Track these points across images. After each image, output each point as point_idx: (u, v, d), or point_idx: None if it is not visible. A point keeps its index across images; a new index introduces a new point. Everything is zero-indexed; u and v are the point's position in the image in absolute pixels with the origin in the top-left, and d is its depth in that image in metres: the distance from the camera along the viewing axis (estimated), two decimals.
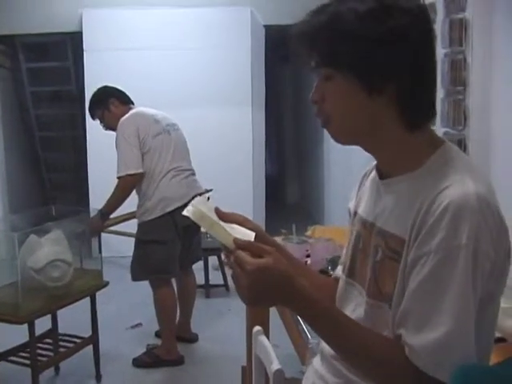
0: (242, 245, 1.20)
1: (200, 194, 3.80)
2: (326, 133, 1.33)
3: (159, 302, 4.10)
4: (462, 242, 1.10)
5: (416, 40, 1.20)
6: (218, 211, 1.32)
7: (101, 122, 4.27)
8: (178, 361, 4.16)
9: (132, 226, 4.36)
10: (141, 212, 4.08)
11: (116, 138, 4.01)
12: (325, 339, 1.26)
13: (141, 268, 4.09)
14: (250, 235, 1.30)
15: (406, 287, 1.18)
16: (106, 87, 4.33)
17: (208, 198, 1.34)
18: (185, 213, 1.26)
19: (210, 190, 4.79)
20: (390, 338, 1.21)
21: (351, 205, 1.51)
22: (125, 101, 4.24)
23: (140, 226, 4.12)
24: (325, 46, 1.22)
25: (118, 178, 3.94)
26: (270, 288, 1.17)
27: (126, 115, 4.06)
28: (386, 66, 1.19)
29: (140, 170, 3.95)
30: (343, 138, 1.31)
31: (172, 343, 4.17)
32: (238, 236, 1.24)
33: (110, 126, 4.19)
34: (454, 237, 1.11)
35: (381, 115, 1.23)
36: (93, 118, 4.33)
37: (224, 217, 1.32)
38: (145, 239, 4.06)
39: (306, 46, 1.25)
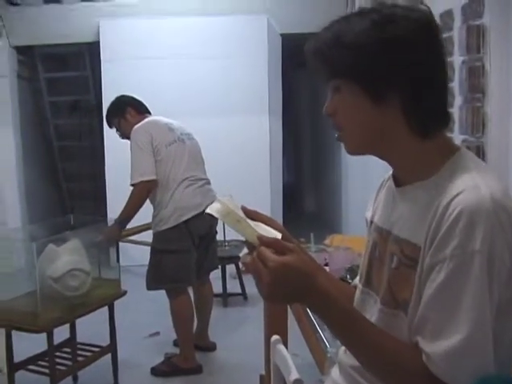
0: (265, 242, 1.19)
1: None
2: None
3: (176, 311, 4.09)
4: (476, 248, 1.10)
5: (417, 48, 1.21)
6: (244, 209, 1.31)
7: (117, 130, 4.31)
8: (196, 369, 4.15)
9: (149, 234, 4.36)
10: (156, 222, 4.08)
11: (130, 146, 4.02)
12: (342, 340, 1.26)
13: (155, 277, 4.08)
14: (276, 235, 1.28)
15: (422, 294, 1.17)
16: (123, 96, 4.36)
17: (231, 197, 1.34)
18: (208, 210, 1.25)
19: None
20: (407, 343, 1.20)
21: (368, 214, 1.52)
22: (141, 110, 4.27)
23: (155, 235, 4.12)
24: (329, 58, 1.25)
25: (132, 185, 3.95)
26: (291, 285, 1.16)
27: (141, 123, 4.08)
28: (386, 73, 1.21)
29: (153, 177, 3.95)
30: (355, 149, 1.34)
31: (190, 352, 4.16)
32: (264, 234, 1.23)
33: (125, 134, 4.20)
34: (469, 243, 1.10)
35: (389, 124, 1.25)
36: (110, 126, 4.38)
37: (251, 215, 1.31)
38: (160, 248, 4.06)
39: (316, 61, 1.29)
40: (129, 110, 4.22)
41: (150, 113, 4.31)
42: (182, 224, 3.98)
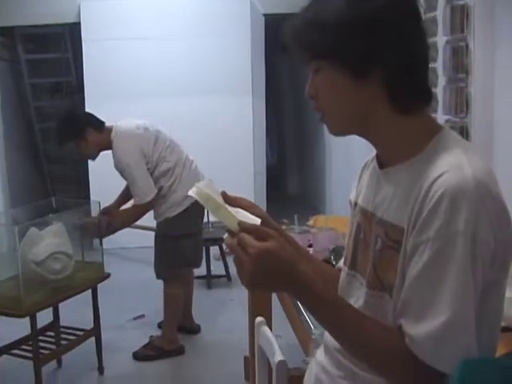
0: (246, 228, 1.18)
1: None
2: None
3: (172, 294, 4.10)
4: (459, 229, 1.08)
5: (396, 23, 1.19)
6: (224, 195, 1.30)
7: (72, 150, 4.13)
8: (179, 350, 4.18)
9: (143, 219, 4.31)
10: (165, 208, 4.04)
11: (122, 170, 3.94)
12: (325, 326, 1.25)
13: (170, 263, 4.07)
14: (255, 221, 1.27)
15: (405, 276, 1.16)
16: (78, 115, 4.21)
17: (211, 181, 1.32)
18: (190, 193, 1.23)
19: None
20: (391, 326, 1.19)
21: (352, 196, 1.50)
22: (100, 127, 4.01)
23: (167, 221, 4.06)
24: (308, 38, 1.23)
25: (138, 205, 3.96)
26: (273, 272, 1.15)
27: (121, 140, 3.92)
28: (367, 51, 1.18)
29: (155, 191, 3.95)
30: (338, 129, 1.32)
31: (173, 334, 4.18)
32: (244, 220, 1.22)
33: (86, 154, 4.13)
34: (452, 224, 1.09)
35: (371, 101, 1.22)
36: (62, 146, 4.04)
37: (230, 201, 1.30)
38: (176, 234, 4.03)
39: (295, 42, 1.26)
40: (89, 131, 3.94)
41: (104, 123, 4.05)
42: (190, 205, 3.96)
